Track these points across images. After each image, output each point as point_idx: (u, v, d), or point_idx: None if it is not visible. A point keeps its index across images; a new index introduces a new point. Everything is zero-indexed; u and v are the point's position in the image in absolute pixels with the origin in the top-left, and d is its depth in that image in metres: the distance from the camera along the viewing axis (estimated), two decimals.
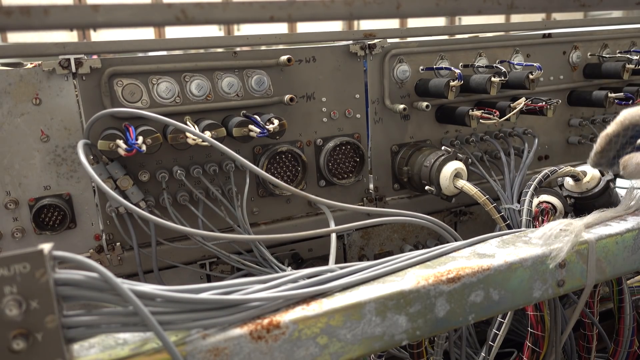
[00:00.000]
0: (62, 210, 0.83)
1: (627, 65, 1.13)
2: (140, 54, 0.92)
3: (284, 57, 0.90)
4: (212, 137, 0.80)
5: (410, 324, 0.57)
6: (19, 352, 0.41)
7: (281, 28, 3.90)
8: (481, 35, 1.22)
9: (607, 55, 1.21)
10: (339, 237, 1.06)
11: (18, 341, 0.41)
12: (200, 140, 0.79)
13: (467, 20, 3.78)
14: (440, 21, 3.78)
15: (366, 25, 2.47)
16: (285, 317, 0.51)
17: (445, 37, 1.22)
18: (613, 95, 1.11)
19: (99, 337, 0.48)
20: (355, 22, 3.10)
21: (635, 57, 1.15)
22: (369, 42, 0.99)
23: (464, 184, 0.92)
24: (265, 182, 0.95)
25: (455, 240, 0.69)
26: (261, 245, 0.90)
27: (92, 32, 3.42)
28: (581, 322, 0.86)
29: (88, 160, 0.72)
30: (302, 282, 0.54)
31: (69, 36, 3.61)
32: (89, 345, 0.47)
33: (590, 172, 0.88)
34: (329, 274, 0.57)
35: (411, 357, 0.79)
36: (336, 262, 1.05)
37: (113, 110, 0.78)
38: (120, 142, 0.77)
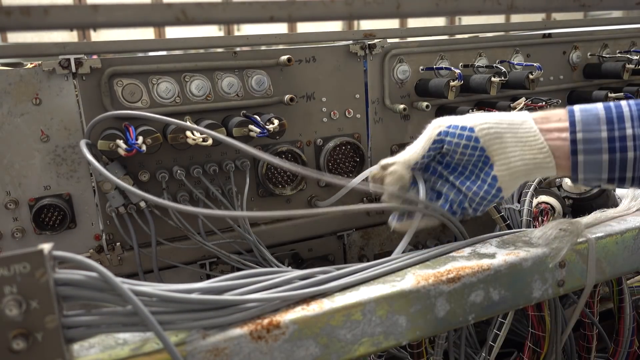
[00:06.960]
0: (62, 210, 0.83)
1: (627, 65, 1.13)
2: (140, 54, 0.92)
3: (284, 57, 0.90)
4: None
5: (410, 324, 0.57)
6: (19, 352, 0.41)
7: (281, 28, 3.90)
8: (481, 35, 1.22)
9: (607, 55, 1.21)
10: (339, 238, 1.06)
11: (18, 341, 0.41)
12: (201, 140, 0.79)
13: (467, 20, 3.78)
14: (440, 21, 3.78)
15: (366, 25, 2.46)
16: (285, 317, 0.51)
17: (445, 37, 1.22)
18: (613, 95, 1.11)
19: (99, 337, 0.48)
20: (355, 22, 3.10)
21: (635, 57, 1.15)
22: (369, 42, 0.99)
23: None
24: (265, 181, 0.95)
25: (461, 234, 0.69)
26: (261, 245, 0.90)
27: (92, 32, 3.42)
28: (581, 322, 0.86)
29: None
30: (302, 282, 0.54)
31: (69, 36, 3.62)
32: (89, 345, 0.47)
33: None
34: (329, 274, 0.57)
35: (411, 357, 0.79)
36: (336, 263, 1.05)
37: (116, 112, 0.78)
38: (120, 142, 0.77)
